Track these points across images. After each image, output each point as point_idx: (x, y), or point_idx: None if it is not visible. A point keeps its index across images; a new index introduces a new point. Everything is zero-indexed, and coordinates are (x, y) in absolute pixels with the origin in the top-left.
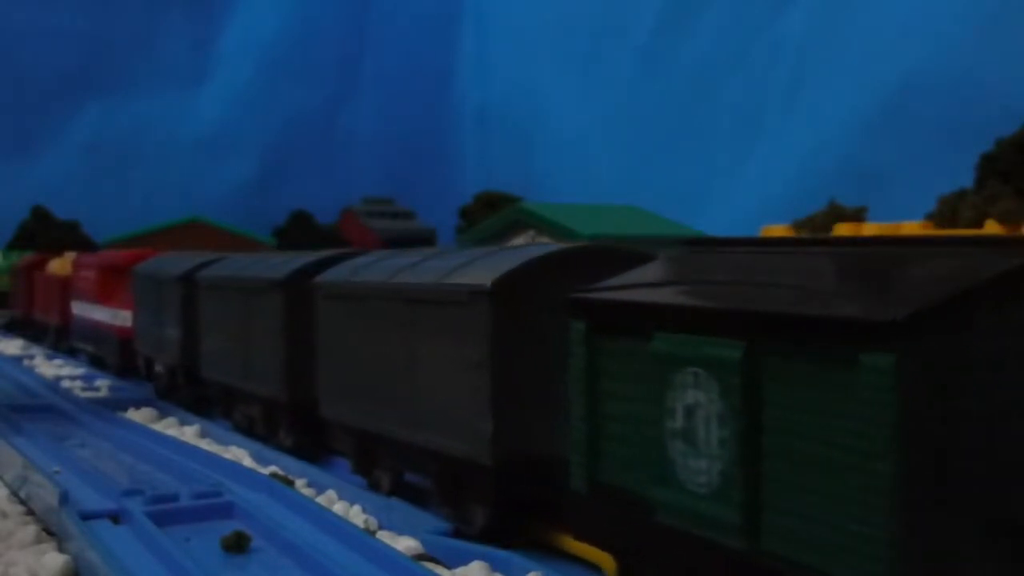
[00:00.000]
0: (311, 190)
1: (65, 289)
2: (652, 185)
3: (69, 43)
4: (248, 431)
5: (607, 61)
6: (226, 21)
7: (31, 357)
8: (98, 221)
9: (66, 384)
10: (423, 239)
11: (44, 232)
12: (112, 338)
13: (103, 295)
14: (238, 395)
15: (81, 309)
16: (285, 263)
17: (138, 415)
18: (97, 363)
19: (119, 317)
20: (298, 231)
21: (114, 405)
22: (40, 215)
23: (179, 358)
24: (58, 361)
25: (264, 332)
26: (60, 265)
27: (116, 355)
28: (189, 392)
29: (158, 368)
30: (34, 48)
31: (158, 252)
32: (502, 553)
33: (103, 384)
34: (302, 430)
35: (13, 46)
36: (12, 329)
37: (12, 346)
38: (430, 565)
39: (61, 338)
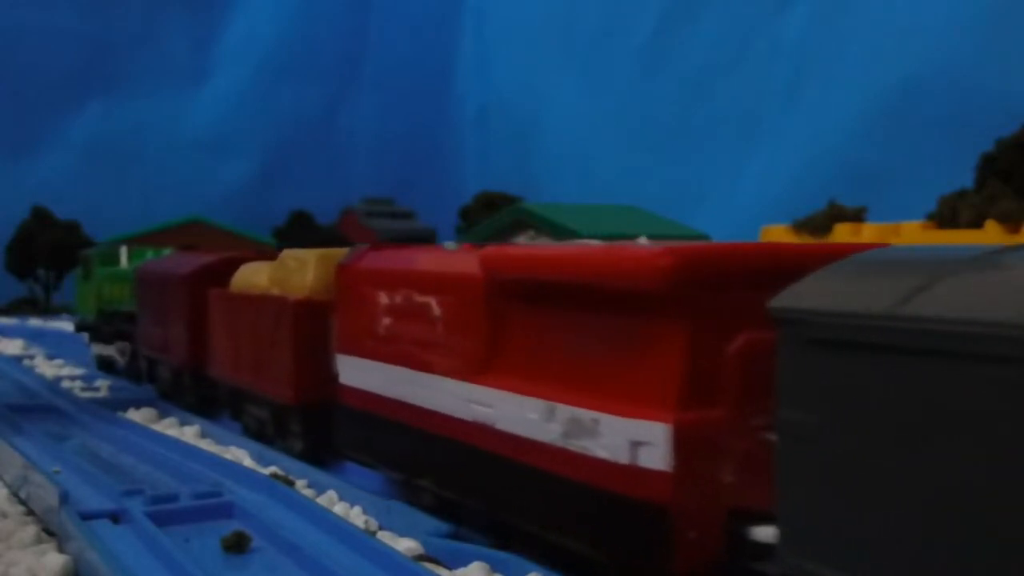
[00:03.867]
0: (311, 190)
1: (314, 329)
2: (652, 185)
3: (69, 43)
4: None
5: (607, 61)
6: (226, 21)
7: (31, 357)
8: (98, 221)
9: (66, 384)
10: (423, 239)
11: (44, 232)
12: (594, 498)
13: (520, 360)
14: None
15: (387, 379)
16: None
17: (138, 415)
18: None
19: (609, 434)
20: (298, 231)
21: (114, 405)
22: (40, 215)
23: None
24: (58, 361)
25: None
26: (275, 277)
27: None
28: None
29: None
30: (34, 48)
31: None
32: (502, 554)
33: (103, 384)
34: None
35: (13, 46)
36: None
37: (12, 346)
38: (430, 566)
39: (288, 434)
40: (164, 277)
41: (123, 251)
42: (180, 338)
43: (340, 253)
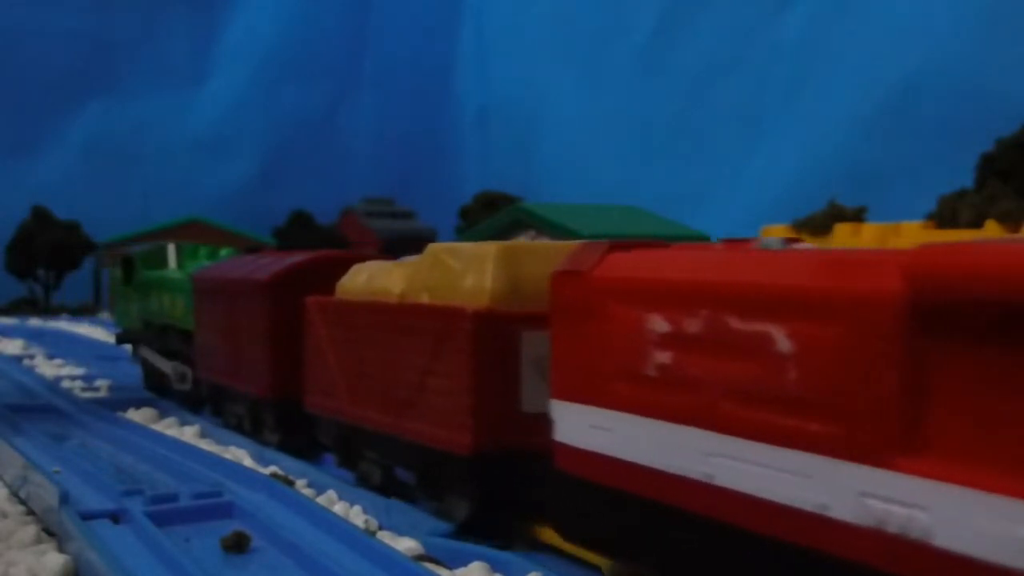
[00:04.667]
0: (311, 190)
1: (499, 353)
2: (652, 185)
3: (69, 43)
4: None
5: (607, 61)
6: (226, 21)
7: (31, 357)
8: (98, 221)
9: (66, 384)
10: (423, 239)
11: (44, 232)
12: None
13: None
14: None
15: (665, 445)
16: None
17: (138, 415)
18: None
19: None
20: (298, 231)
21: (114, 405)
22: (40, 215)
23: None
24: (58, 361)
25: None
26: (421, 280)
27: None
28: None
29: None
30: (34, 48)
31: None
32: (502, 554)
33: (103, 384)
34: None
35: (12, 46)
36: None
37: (12, 346)
38: (430, 566)
39: (448, 491)
40: (235, 284)
41: (171, 250)
42: (259, 360)
43: (530, 248)
